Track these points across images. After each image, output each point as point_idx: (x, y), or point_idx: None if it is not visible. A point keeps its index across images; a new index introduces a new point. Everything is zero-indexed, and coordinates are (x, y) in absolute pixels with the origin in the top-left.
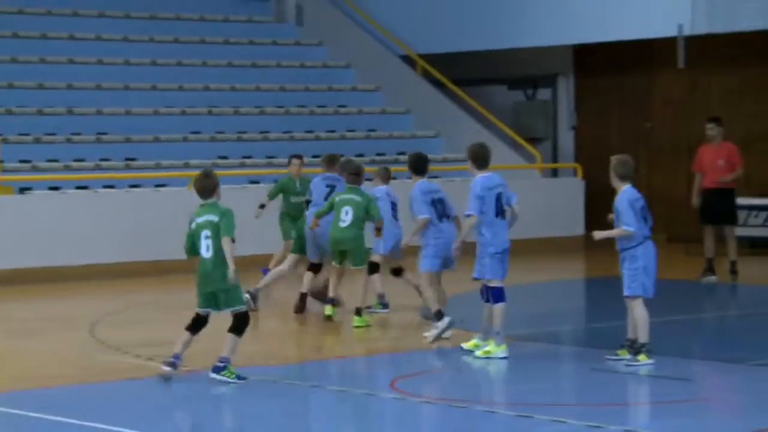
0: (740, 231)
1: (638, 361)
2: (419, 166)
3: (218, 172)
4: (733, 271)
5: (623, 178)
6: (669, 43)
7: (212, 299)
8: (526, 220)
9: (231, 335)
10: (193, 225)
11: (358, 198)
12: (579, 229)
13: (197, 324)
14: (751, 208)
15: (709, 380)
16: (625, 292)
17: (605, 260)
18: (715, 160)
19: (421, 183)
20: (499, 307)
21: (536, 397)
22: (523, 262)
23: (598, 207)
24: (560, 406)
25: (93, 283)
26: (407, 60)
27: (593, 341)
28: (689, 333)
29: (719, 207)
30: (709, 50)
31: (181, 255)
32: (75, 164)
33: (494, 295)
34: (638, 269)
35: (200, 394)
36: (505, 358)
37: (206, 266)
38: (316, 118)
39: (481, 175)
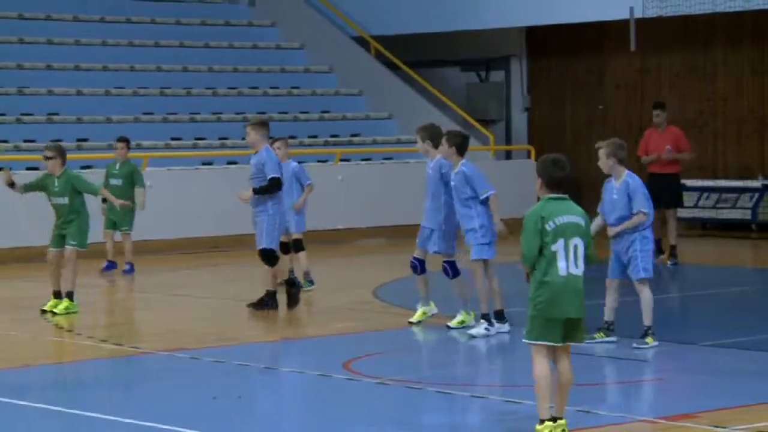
0: (691, 213)
1: (646, 343)
2: None
3: (171, 153)
4: (673, 255)
5: (623, 161)
6: (621, 25)
7: None
8: None
9: None
10: None
11: None
12: None
13: None
14: (702, 189)
15: (664, 361)
16: (641, 275)
17: None
18: (662, 145)
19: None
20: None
21: (493, 378)
22: None
23: None
24: (516, 388)
25: (39, 265)
26: (360, 41)
27: None
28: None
29: (664, 191)
30: (660, 33)
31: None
32: (25, 145)
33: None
34: (649, 251)
35: (154, 375)
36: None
37: None
38: (269, 99)
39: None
